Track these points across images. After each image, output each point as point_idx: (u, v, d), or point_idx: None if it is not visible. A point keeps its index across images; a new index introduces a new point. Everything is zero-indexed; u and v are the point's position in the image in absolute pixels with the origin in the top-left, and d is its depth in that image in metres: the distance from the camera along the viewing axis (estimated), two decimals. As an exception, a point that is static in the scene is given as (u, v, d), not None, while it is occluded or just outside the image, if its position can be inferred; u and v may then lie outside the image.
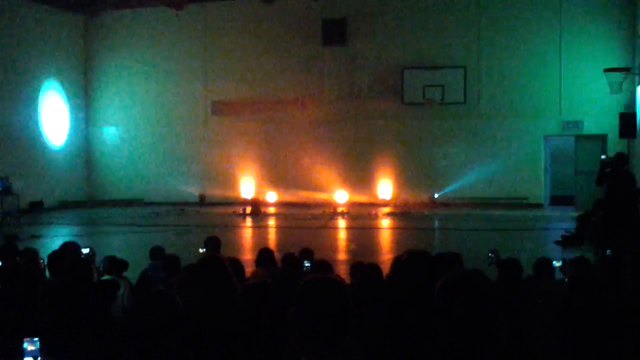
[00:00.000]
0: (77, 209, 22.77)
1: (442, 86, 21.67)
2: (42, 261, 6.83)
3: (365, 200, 22.38)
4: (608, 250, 8.79)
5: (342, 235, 17.21)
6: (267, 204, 22.42)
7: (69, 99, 24.62)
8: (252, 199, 21.74)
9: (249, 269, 7.05)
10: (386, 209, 21.21)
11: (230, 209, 21.30)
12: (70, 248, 6.92)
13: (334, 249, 13.77)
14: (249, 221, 19.43)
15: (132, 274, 7.38)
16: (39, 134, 23.06)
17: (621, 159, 11.50)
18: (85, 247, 7.42)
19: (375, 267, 5.68)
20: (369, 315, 4.05)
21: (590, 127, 20.85)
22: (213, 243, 7.72)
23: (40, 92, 23.18)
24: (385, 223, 18.81)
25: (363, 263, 6.34)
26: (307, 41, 23.12)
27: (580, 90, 20.85)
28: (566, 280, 5.87)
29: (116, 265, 7.05)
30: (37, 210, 21.49)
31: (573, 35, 20.95)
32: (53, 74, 23.80)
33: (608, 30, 20.52)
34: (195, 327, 3.78)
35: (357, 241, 15.11)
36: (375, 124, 22.68)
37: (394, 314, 3.89)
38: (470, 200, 21.63)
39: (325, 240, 15.04)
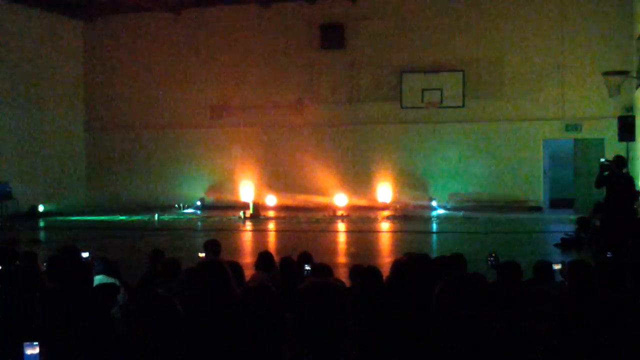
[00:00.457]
0: (77, 214, 22.74)
1: (441, 90, 21.67)
2: (41, 265, 6.82)
3: (364, 204, 22.38)
4: (608, 253, 8.80)
5: (341, 238, 17.22)
6: (266, 208, 22.42)
7: (68, 103, 24.62)
8: (251, 203, 21.72)
9: (248, 273, 7.05)
10: (385, 212, 21.21)
11: (230, 213, 21.30)
12: (69, 252, 6.92)
13: (333, 252, 13.77)
14: (248, 225, 19.43)
15: (131, 278, 7.38)
16: (39, 139, 23.05)
17: (620, 161, 11.49)
18: (85, 251, 7.42)
19: (375, 271, 5.67)
20: (368, 319, 4.05)
21: (589, 130, 20.86)
22: (213, 246, 7.73)
23: (40, 97, 23.18)
24: (384, 226, 18.81)
25: (363, 266, 6.34)
26: (306, 45, 23.15)
27: (580, 93, 20.86)
28: (566, 283, 5.87)
29: (109, 267, 7.03)
30: (37, 215, 21.47)
31: (572, 38, 20.96)
32: (52, 78, 23.80)
33: (607, 34, 20.53)
34: (194, 330, 3.78)
35: (356, 244, 15.12)
36: (374, 128, 22.69)
37: (393, 317, 3.89)
38: (469, 203, 21.62)
39: (325, 243, 15.04)
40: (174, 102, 24.40)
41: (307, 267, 6.71)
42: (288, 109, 23.33)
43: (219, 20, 24.00)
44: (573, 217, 16.96)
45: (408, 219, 19.85)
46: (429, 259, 4.88)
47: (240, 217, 20.40)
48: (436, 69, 21.84)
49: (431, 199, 22.04)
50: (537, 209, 21.21)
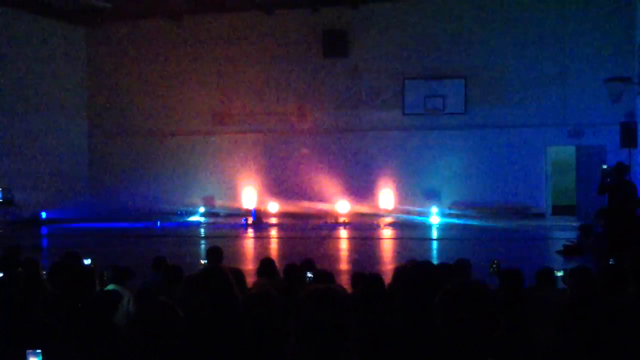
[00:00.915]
0: (81, 221, 22.74)
1: (443, 96, 21.71)
2: (43, 272, 6.83)
3: (366, 211, 22.37)
4: (610, 260, 8.79)
5: (343, 245, 17.21)
6: (268, 214, 22.43)
7: (71, 109, 24.68)
8: (253, 209, 21.72)
9: (250, 279, 7.05)
10: (387, 219, 21.20)
11: (232, 219, 21.30)
12: (71, 258, 6.92)
13: (335, 259, 13.77)
14: (250, 231, 19.43)
15: (134, 285, 7.37)
16: (41, 145, 23.08)
17: (622, 168, 11.48)
18: (87, 258, 7.42)
19: (376, 277, 5.67)
20: (370, 326, 4.05)
21: (591, 136, 20.84)
22: (215, 253, 7.72)
23: (42, 103, 23.23)
24: (386, 233, 18.80)
25: (364, 273, 6.34)
26: (309, 52, 23.19)
27: (582, 100, 20.87)
28: (568, 289, 5.86)
29: (121, 274, 7.03)
30: (39, 222, 21.48)
31: (574, 45, 20.98)
32: (55, 84, 23.86)
33: (609, 41, 20.54)
34: (196, 337, 3.78)
35: (358, 251, 15.11)
36: (377, 135, 22.71)
37: (395, 324, 3.89)
38: (471, 210, 21.60)
39: (326, 250, 15.03)
40: (176, 108, 24.44)
41: (310, 274, 6.71)
42: (290, 116, 23.37)
43: (221, 27, 24.05)
44: (575, 223, 16.95)
45: (410, 225, 19.83)
46: (432, 265, 4.88)
47: (242, 224, 20.40)
48: (438, 76, 21.87)
49: (433, 206, 22.03)
50: (540, 215, 21.19)
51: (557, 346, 4.40)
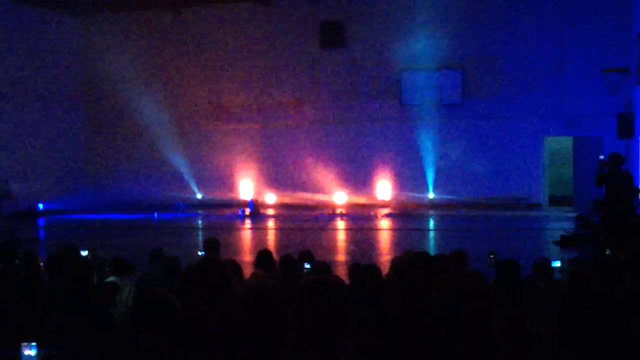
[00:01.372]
0: (78, 212, 22.73)
1: (440, 87, 21.70)
2: (41, 264, 6.83)
3: (364, 202, 22.39)
4: (607, 250, 8.80)
5: (341, 236, 17.22)
6: (266, 206, 22.44)
7: (68, 100, 24.62)
8: (251, 201, 21.72)
9: (248, 271, 7.06)
10: (385, 210, 21.22)
11: (229, 211, 21.31)
12: (69, 251, 6.92)
13: (333, 250, 13.78)
14: (248, 223, 19.44)
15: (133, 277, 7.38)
16: (38, 137, 23.03)
17: (617, 159, 11.49)
18: (84, 250, 7.42)
19: (374, 269, 5.68)
20: (368, 316, 4.05)
21: (588, 127, 20.84)
22: (212, 245, 7.72)
23: (39, 94, 23.17)
24: (384, 224, 18.82)
25: (362, 264, 6.35)
26: (306, 43, 23.14)
27: (579, 90, 20.85)
28: (565, 280, 5.88)
29: (122, 266, 7.04)
30: (37, 214, 21.47)
31: (572, 36, 20.94)
32: (52, 75, 23.79)
33: (606, 31, 20.49)
34: (193, 329, 3.79)
35: (356, 242, 15.12)
36: (374, 126, 22.69)
37: (392, 315, 3.89)
38: (469, 201, 21.62)
39: (324, 241, 15.05)
40: (174, 100, 24.40)
41: (307, 266, 6.71)
42: (288, 107, 23.35)
43: (219, 19, 23.98)
44: (572, 214, 16.98)
45: (407, 216, 19.86)
46: (428, 256, 4.89)
47: (239, 215, 20.41)
48: (435, 67, 21.84)
49: (430, 197, 22.06)
50: (537, 206, 21.21)
51: (553, 337, 4.41)
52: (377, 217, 19.99)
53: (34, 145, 22.74)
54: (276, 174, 23.32)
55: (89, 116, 25.52)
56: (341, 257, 12.90)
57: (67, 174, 24.26)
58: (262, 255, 7.20)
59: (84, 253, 7.23)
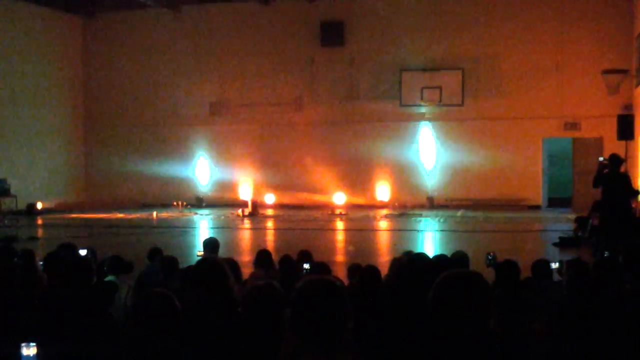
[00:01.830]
0: (76, 211, 22.71)
1: (440, 88, 21.70)
2: (40, 263, 6.81)
3: (363, 202, 22.38)
4: (606, 252, 8.80)
5: (340, 237, 17.20)
6: (265, 206, 22.41)
7: (67, 99, 24.61)
8: (250, 201, 21.70)
9: (247, 271, 7.05)
10: (384, 211, 21.21)
11: (228, 211, 21.29)
12: (67, 249, 6.91)
13: (332, 251, 13.76)
14: (247, 223, 19.42)
15: (132, 276, 7.37)
16: (37, 135, 23.02)
17: (616, 160, 11.48)
18: (83, 249, 7.41)
19: (373, 269, 5.68)
20: (367, 317, 4.05)
21: (588, 128, 20.85)
22: (211, 245, 7.71)
23: (38, 93, 23.16)
24: (383, 225, 18.80)
25: (361, 265, 6.34)
26: (306, 42, 23.14)
27: (579, 91, 20.86)
28: (564, 282, 5.87)
29: (120, 266, 7.02)
30: (35, 212, 21.44)
31: (571, 37, 20.95)
32: (51, 74, 23.78)
33: (606, 32, 20.51)
34: (192, 328, 3.78)
35: (355, 243, 15.10)
36: (373, 126, 22.69)
37: (392, 315, 3.89)
38: (468, 202, 21.63)
39: (323, 242, 15.03)
40: (173, 99, 24.40)
41: (306, 266, 6.70)
42: (287, 107, 23.34)
43: (219, 18, 23.99)
44: (571, 215, 16.96)
45: (406, 217, 19.84)
46: (427, 257, 4.89)
47: (238, 215, 20.39)
48: (435, 67, 21.85)
49: (430, 197, 22.05)
50: (536, 207, 21.22)
51: (552, 338, 4.41)
52: (376, 217, 19.96)
53: (32, 143, 22.73)
54: (275, 174, 23.30)
55: (88, 115, 25.50)
56: (340, 257, 12.89)
57: (66, 173, 24.26)
58: (261, 256, 7.20)
59: (83, 252, 7.21)
